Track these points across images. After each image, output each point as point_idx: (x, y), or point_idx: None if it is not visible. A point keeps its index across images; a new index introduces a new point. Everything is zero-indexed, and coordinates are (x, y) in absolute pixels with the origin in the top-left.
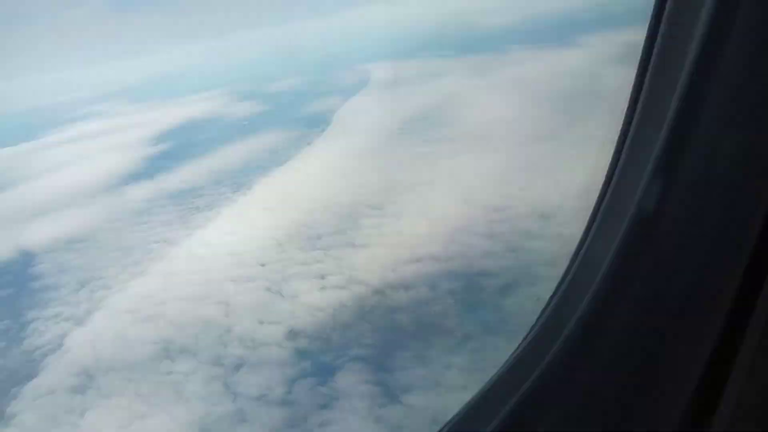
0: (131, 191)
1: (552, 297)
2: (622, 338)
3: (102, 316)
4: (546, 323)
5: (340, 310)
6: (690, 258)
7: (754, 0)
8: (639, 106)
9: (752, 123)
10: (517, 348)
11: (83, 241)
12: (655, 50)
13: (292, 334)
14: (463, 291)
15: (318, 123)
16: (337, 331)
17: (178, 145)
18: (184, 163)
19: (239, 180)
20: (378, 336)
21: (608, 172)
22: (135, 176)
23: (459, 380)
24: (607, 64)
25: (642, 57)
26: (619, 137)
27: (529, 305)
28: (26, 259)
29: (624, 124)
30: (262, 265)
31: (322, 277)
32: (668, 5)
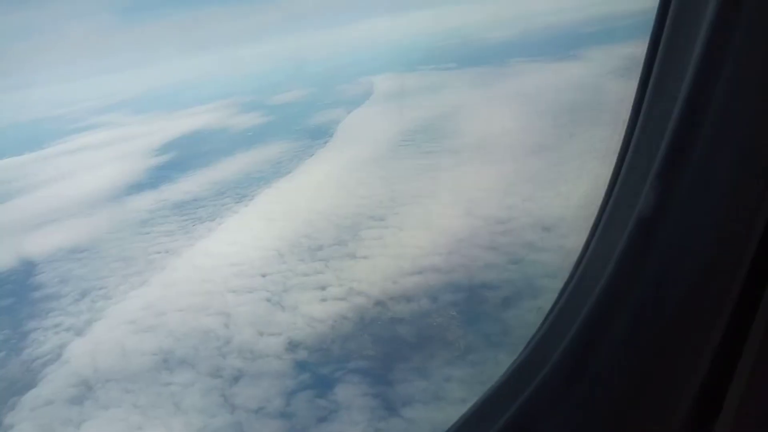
0: (134, 201)
1: (554, 305)
2: (624, 346)
3: (102, 327)
4: (548, 331)
5: (341, 321)
6: (690, 266)
7: (754, 11)
8: (641, 116)
9: (752, 132)
10: (518, 357)
11: (85, 251)
12: (656, 61)
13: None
14: (465, 303)
15: (321, 134)
16: (337, 342)
17: (182, 156)
18: (187, 174)
19: (242, 191)
20: (378, 348)
21: (610, 182)
22: (138, 186)
23: (459, 393)
24: (607, 77)
25: (644, 68)
26: (621, 147)
27: (530, 318)
28: (28, 268)
29: (626, 134)
30: (263, 275)
31: (323, 289)
32: (669, 17)
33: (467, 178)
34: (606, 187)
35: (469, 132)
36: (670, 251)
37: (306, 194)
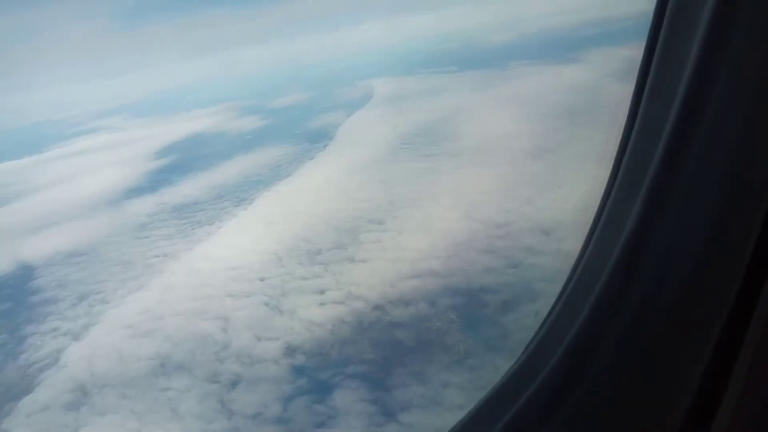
0: (133, 205)
1: (552, 309)
2: (621, 349)
3: (99, 331)
4: (546, 335)
5: (339, 326)
6: (687, 269)
7: (751, 13)
8: (637, 118)
9: (750, 134)
10: (516, 361)
11: (84, 255)
12: (653, 64)
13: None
14: (463, 307)
15: (321, 138)
16: (336, 347)
17: (182, 159)
18: (186, 177)
19: (241, 194)
20: (376, 353)
21: (607, 185)
22: (137, 190)
23: (457, 399)
24: (607, 80)
25: (640, 71)
26: (618, 150)
27: (529, 322)
28: (26, 272)
29: (623, 137)
30: (262, 279)
31: (322, 293)
32: (666, 20)
33: (466, 181)
34: (604, 189)
35: (469, 135)
36: (666, 254)
37: (305, 198)
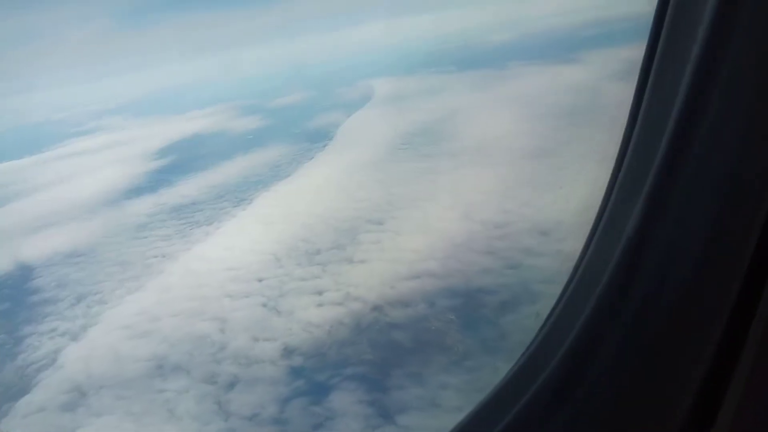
0: (132, 205)
1: (552, 311)
2: (622, 350)
3: (97, 332)
4: (546, 337)
5: (337, 327)
6: (688, 270)
7: (752, 14)
8: (638, 119)
9: (750, 135)
10: (517, 362)
11: (82, 255)
12: (654, 64)
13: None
14: (462, 308)
15: (321, 138)
16: (333, 348)
17: (181, 159)
18: (185, 178)
19: (240, 194)
20: (374, 354)
21: (608, 185)
22: (137, 190)
23: (455, 401)
24: (606, 80)
25: (641, 71)
26: (619, 150)
27: (527, 323)
28: (25, 272)
29: (624, 138)
30: (260, 280)
31: (320, 294)
32: (667, 20)
33: (465, 181)
34: (604, 190)
35: (468, 135)
36: (668, 254)
37: (304, 198)
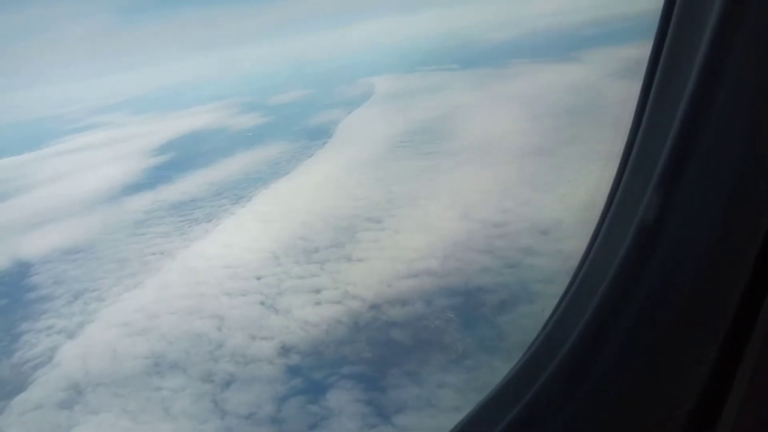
0: (131, 202)
1: (556, 308)
2: (626, 349)
3: (94, 329)
4: (550, 334)
5: (335, 325)
6: (693, 270)
7: (758, 14)
8: (644, 118)
9: (757, 135)
10: (521, 359)
11: (80, 252)
12: (660, 63)
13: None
14: (460, 307)
15: (320, 135)
16: (331, 347)
17: (181, 156)
18: (185, 174)
19: (239, 192)
20: (371, 353)
21: (613, 184)
22: (136, 187)
23: (452, 401)
24: (607, 79)
25: (647, 70)
26: (624, 150)
27: (526, 322)
28: (23, 269)
29: (629, 137)
30: (258, 278)
31: (318, 292)
32: (673, 19)
33: (465, 180)
34: (608, 189)
35: (468, 134)
36: (672, 254)
37: (303, 195)
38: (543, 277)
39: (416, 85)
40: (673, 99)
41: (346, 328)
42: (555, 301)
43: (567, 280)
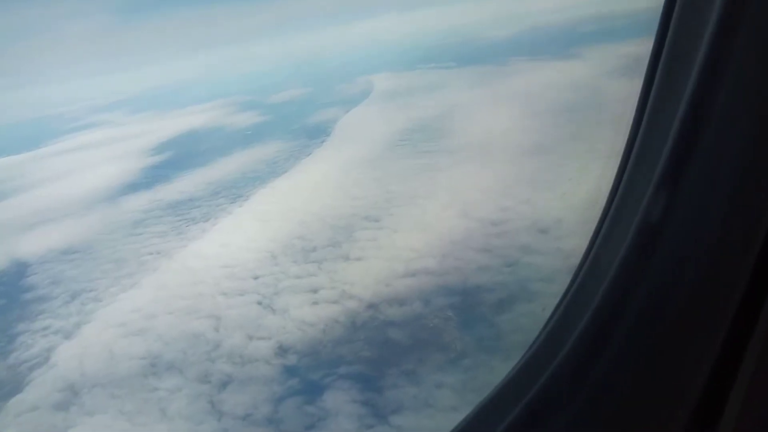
0: (129, 201)
1: (557, 308)
2: (627, 349)
3: (91, 330)
4: (551, 334)
5: (332, 325)
6: (694, 269)
7: (759, 12)
8: (645, 116)
9: (758, 133)
10: (521, 359)
11: (78, 252)
12: (661, 61)
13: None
14: (458, 306)
15: (318, 134)
16: (328, 347)
17: (179, 155)
18: (183, 173)
19: (237, 191)
20: (369, 353)
21: (614, 183)
22: (133, 186)
23: (450, 401)
24: (607, 76)
25: (649, 67)
26: (625, 148)
27: (525, 322)
28: (20, 269)
29: (630, 135)
30: (255, 278)
31: (315, 292)
32: (674, 17)
33: (463, 178)
34: (609, 188)
35: (467, 132)
36: (674, 254)
37: (301, 194)
38: (542, 276)
39: (415, 83)
40: (675, 97)
41: (344, 327)
42: (555, 300)
43: (567, 279)
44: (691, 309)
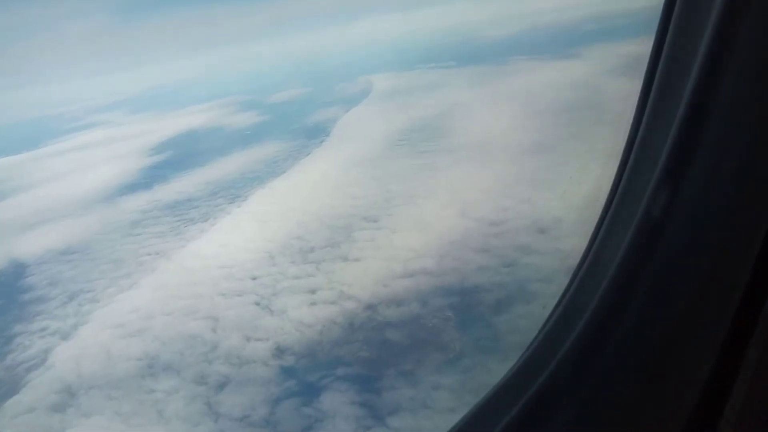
0: (127, 202)
1: (557, 306)
2: (628, 347)
3: (88, 331)
4: (551, 332)
5: (330, 326)
6: (695, 267)
7: (759, 12)
8: (645, 115)
9: (758, 133)
10: (521, 357)
11: (76, 252)
12: (661, 59)
13: None
14: (456, 307)
15: (318, 133)
16: (326, 348)
17: (178, 155)
18: (182, 174)
19: (236, 191)
20: (366, 354)
21: (614, 182)
22: (132, 186)
23: (448, 402)
24: (607, 75)
25: (649, 66)
26: (625, 147)
27: (522, 322)
28: (18, 270)
29: (630, 134)
30: (253, 278)
31: (313, 292)
32: (674, 17)
33: (463, 178)
34: (609, 187)
35: (467, 131)
36: (673, 254)
37: (300, 195)
38: (541, 277)
39: (415, 82)
40: (675, 96)
41: (342, 328)
42: (554, 300)
43: (566, 279)
44: (691, 309)
